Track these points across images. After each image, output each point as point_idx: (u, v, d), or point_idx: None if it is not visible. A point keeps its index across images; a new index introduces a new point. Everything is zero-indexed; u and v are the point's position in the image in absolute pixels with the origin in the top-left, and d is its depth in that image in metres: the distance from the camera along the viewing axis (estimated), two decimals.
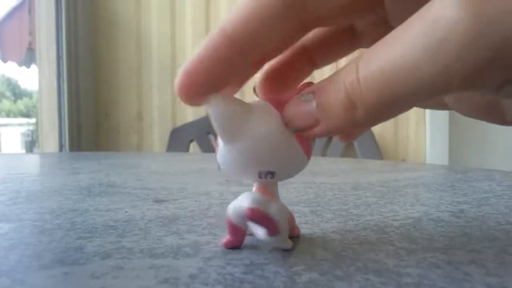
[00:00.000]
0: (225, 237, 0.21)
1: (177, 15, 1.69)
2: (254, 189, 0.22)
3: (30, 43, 2.60)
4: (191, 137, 1.60)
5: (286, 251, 0.21)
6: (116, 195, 0.37)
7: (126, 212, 0.30)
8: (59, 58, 1.61)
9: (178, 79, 0.19)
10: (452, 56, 0.14)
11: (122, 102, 1.71)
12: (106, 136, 1.72)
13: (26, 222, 0.27)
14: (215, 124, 0.19)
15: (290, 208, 0.31)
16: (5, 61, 3.21)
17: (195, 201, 0.34)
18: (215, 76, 0.19)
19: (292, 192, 0.38)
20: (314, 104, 0.18)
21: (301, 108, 0.18)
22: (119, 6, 1.70)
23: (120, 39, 1.70)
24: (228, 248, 0.21)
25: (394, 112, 0.17)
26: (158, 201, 0.34)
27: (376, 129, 1.60)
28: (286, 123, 0.19)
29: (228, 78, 0.19)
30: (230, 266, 0.19)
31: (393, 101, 0.16)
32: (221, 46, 0.19)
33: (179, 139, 1.60)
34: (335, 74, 0.18)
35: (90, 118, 1.70)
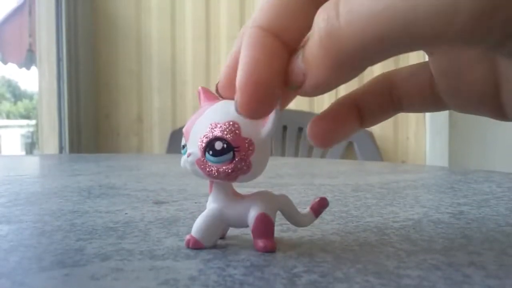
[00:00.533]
0: (262, 242, 0.21)
1: (177, 17, 1.69)
2: (228, 190, 0.22)
3: (30, 45, 2.60)
4: None
5: (286, 252, 0.21)
6: (116, 197, 0.37)
7: (126, 213, 0.30)
8: (59, 60, 1.61)
9: (240, 98, 0.18)
10: None
11: (122, 104, 1.71)
12: (106, 138, 1.72)
13: (26, 223, 0.27)
14: (274, 128, 0.20)
15: None
16: (5, 62, 3.21)
17: (195, 202, 0.34)
18: (275, 79, 0.18)
19: (292, 194, 0.38)
20: (300, 56, 0.16)
21: (292, 64, 0.17)
22: (119, 8, 1.70)
23: (120, 41, 1.70)
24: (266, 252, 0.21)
25: (376, 55, 0.15)
26: (158, 202, 0.34)
27: (376, 130, 1.60)
28: (286, 83, 0.18)
29: (283, 75, 0.18)
30: (230, 267, 0.19)
31: (378, 42, 0.14)
32: (272, 45, 0.18)
33: (179, 141, 1.59)
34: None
35: (90, 120, 1.70)
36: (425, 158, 1.64)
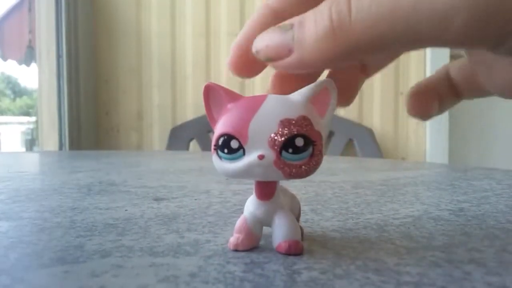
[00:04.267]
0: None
1: (177, 13, 1.69)
2: None
3: (30, 41, 2.59)
4: (191, 136, 1.60)
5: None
6: (116, 193, 0.37)
7: (126, 210, 0.30)
8: (59, 56, 1.61)
9: (230, 55, 0.20)
10: (454, 2, 0.14)
11: (122, 101, 1.71)
12: (106, 134, 1.72)
13: (26, 220, 0.27)
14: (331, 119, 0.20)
15: None
16: (5, 59, 3.21)
17: (195, 199, 0.34)
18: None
19: (292, 191, 0.38)
20: (291, 33, 0.17)
21: (276, 37, 0.18)
22: (119, 4, 1.70)
23: (120, 37, 1.70)
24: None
25: (380, 50, 0.16)
26: (158, 199, 0.34)
27: (376, 127, 1.60)
28: (257, 52, 0.19)
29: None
30: (230, 264, 0.19)
31: (383, 39, 0.15)
32: (267, 20, 0.20)
33: (179, 137, 1.60)
34: (323, 3, 0.17)
35: (90, 116, 1.70)
36: (425, 155, 1.64)
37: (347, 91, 0.24)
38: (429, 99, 0.25)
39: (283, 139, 0.18)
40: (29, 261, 0.19)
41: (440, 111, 0.25)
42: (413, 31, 0.15)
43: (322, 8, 0.17)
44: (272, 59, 0.18)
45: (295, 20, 0.18)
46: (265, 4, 0.20)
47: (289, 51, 0.17)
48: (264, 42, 0.18)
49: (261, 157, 0.18)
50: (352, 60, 0.18)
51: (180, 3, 1.69)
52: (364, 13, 0.15)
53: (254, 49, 0.19)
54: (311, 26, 0.17)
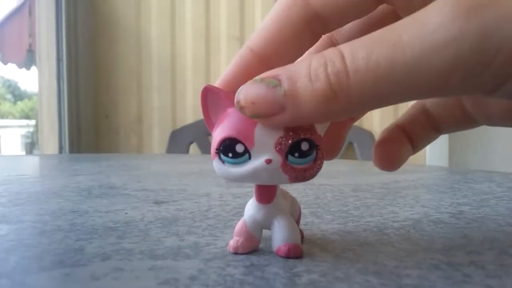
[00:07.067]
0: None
1: (177, 17, 1.69)
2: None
3: (30, 45, 2.60)
4: (191, 139, 1.60)
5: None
6: (116, 196, 0.37)
7: (126, 213, 0.30)
8: (59, 60, 1.61)
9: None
10: (450, 60, 0.14)
11: (122, 104, 1.71)
12: (106, 137, 1.72)
13: (26, 223, 0.27)
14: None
15: None
16: (5, 63, 3.21)
17: (195, 202, 0.34)
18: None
19: (292, 194, 0.38)
20: (281, 90, 0.16)
21: (265, 93, 0.17)
22: (119, 8, 1.70)
23: (120, 41, 1.70)
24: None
25: (378, 106, 0.16)
26: (158, 202, 0.34)
27: (376, 130, 1.60)
28: (242, 107, 0.17)
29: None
30: (230, 267, 0.19)
31: (382, 97, 0.15)
32: (250, 63, 0.20)
33: (179, 140, 1.60)
34: (310, 60, 0.16)
35: (90, 119, 1.70)
36: (425, 158, 1.64)
37: (336, 142, 0.24)
38: (397, 148, 0.24)
39: (290, 142, 0.18)
40: (29, 264, 0.19)
41: (416, 150, 0.24)
42: (410, 90, 0.15)
43: (315, 66, 0.16)
44: (261, 116, 0.17)
45: (280, 74, 0.17)
46: (246, 46, 0.20)
47: (281, 109, 0.17)
48: (250, 98, 0.17)
49: (268, 161, 0.18)
50: (351, 115, 0.18)
51: (179, 6, 1.69)
52: (361, 75, 0.15)
53: (237, 105, 0.17)
54: (306, 84, 0.16)
